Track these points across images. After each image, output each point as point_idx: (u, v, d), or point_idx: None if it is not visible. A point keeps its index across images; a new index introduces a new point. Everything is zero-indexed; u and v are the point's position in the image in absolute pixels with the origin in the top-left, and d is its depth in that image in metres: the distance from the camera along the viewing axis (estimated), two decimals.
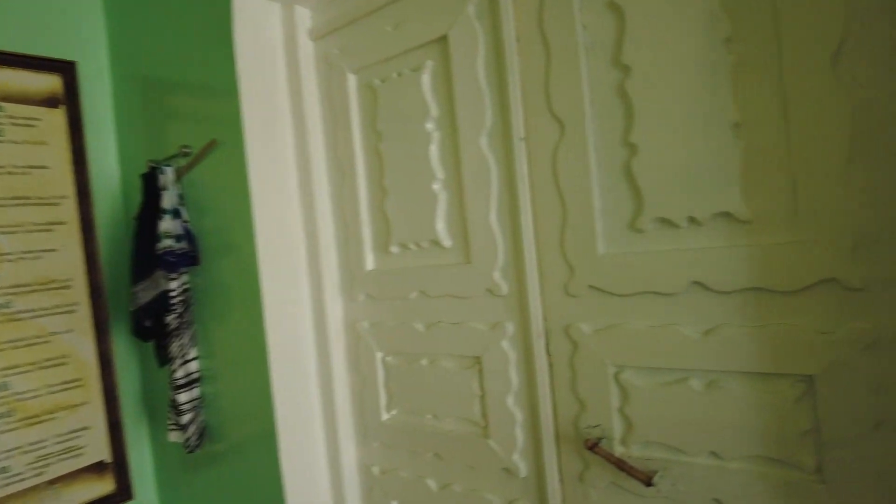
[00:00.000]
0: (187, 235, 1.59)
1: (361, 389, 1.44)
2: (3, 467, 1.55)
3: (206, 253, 1.59)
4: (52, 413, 1.62)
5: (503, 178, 1.12)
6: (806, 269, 0.82)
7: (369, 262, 1.39)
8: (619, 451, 1.02)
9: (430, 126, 1.23)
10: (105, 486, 1.72)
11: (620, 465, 0.98)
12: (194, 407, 1.63)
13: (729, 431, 0.91)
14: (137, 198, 1.66)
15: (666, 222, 0.94)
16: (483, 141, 1.14)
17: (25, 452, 1.58)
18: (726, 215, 0.89)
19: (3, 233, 1.58)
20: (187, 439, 1.60)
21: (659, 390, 0.97)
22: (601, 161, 1.01)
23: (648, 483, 0.95)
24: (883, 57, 0.76)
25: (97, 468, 1.70)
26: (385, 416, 1.40)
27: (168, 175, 1.59)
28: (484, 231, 1.15)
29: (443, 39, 1.19)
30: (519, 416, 1.15)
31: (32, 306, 1.61)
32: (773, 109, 0.84)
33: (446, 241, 1.24)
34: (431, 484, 1.32)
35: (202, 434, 1.65)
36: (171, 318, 1.60)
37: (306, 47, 1.45)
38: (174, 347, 1.61)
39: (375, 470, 1.44)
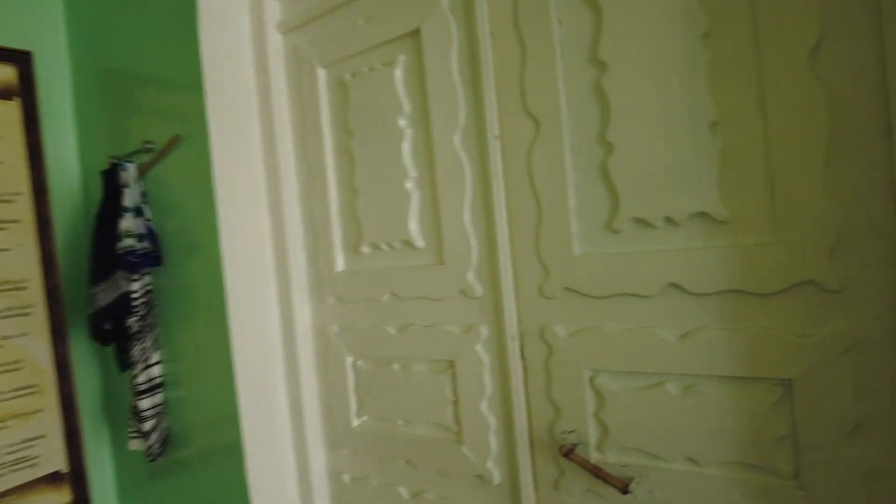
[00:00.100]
0: (150, 235, 1.53)
1: (331, 395, 1.40)
2: None
3: (169, 253, 1.53)
4: (3, 421, 1.53)
5: (477, 177, 1.10)
6: (784, 271, 0.81)
7: (339, 264, 1.35)
8: (594, 457, 1.00)
9: (402, 123, 1.20)
10: (61, 497, 1.64)
11: (596, 472, 0.96)
12: (157, 413, 1.57)
13: (706, 437, 0.89)
14: (98, 195, 1.59)
15: (642, 223, 0.93)
16: (457, 138, 1.11)
17: None
18: (703, 215, 0.87)
19: None
20: (149, 447, 1.54)
21: (635, 395, 0.95)
22: (577, 160, 0.99)
23: (625, 490, 0.93)
24: (860, 54, 0.75)
25: (53, 479, 1.62)
26: (355, 423, 1.36)
27: (130, 172, 1.53)
28: (457, 231, 1.13)
29: (415, 33, 1.16)
30: (493, 421, 1.12)
31: None
32: (751, 107, 0.82)
33: (419, 242, 1.21)
34: (403, 492, 1.29)
35: (165, 442, 1.58)
36: (132, 321, 1.53)
37: (275, 41, 1.41)
38: (136, 351, 1.55)
39: (345, 478, 1.40)
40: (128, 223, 1.49)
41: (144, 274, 1.54)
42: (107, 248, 1.50)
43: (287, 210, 1.39)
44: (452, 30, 1.10)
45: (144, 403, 1.53)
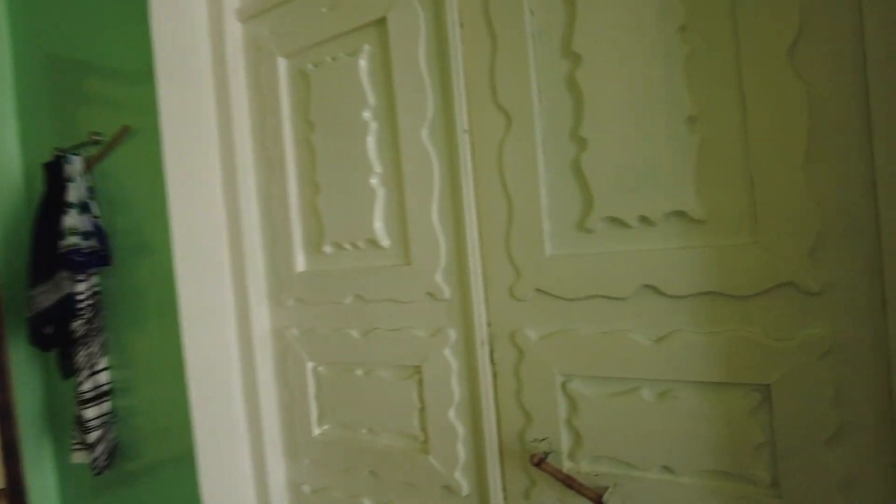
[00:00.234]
0: (97, 232, 1.44)
1: (290, 402, 1.34)
2: None
3: (118, 252, 1.45)
4: None
5: (445, 174, 1.06)
6: (762, 273, 0.78)
7: (300, 264, 1.30)
8: (567, 466, 0.97)
9: (366, 116, 1.15)
10: None
11: (569, 482, 0.92)
12: (104, 423, 1.48)
13: (682, 444, 0.86)
14: (40, 189, 1.49)
15: (616, 222, 0.90)
16: (424, 133, 1.07)
17: None
18: (680, 215, 0.84)
19: None
20: (95, 459, 1.45)
21: (609, 401, 0.92)
22: (549, 156, 0.95)
23: (598, 501, 0.89)
24: (841, 49, 0.73)
25: None
26: (316, 431, 1.31)
27: (75, 165, 1.44)
28: (425, 230, 1.08)
29: (381, 22, 1.11)
30: (461, 429, 1.08)
31: None
32: (729, 103, 0.80)
33: (384, 241, 1.16)
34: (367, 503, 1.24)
35: (112, 453, 1.49)
36: (77, 325, 1.44)
37: (233, 29, 1.34)
38: (81, 357, 1.45)
39: (306, 489, 1.34)
40: (72, 220, 1.40)
41: (91, 274, 1.46)
42: (48, 247, 1.42)
43: (244, 207, 1.32)
44: (420, 19, 1.06)
45: (90, 413, 1.44)
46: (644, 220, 0.87)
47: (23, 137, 1.69)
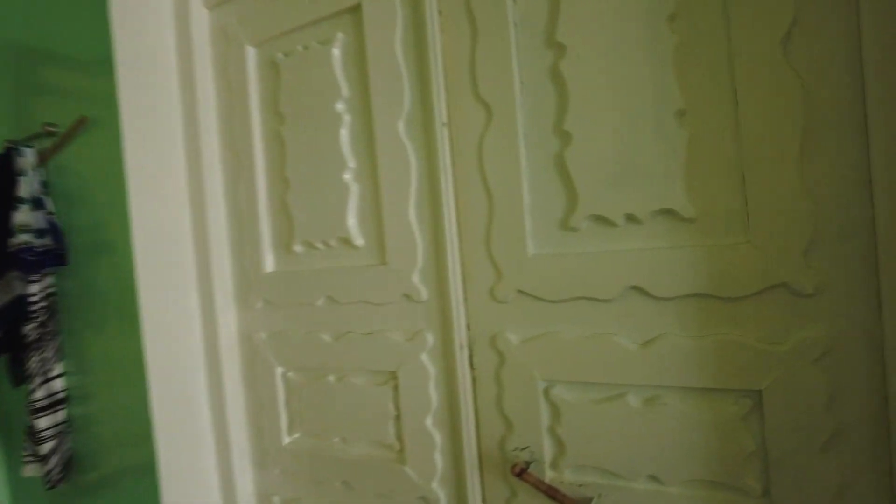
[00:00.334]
0: (52, 230, 1.36)
1: (259, 409, 1.29)
2: None
3: (75, 251, 1.38)
4: None
5: (423, 169, 1.02)
6: (754, 274, 0.75)
7: (269, 264, 1.25)
8: (549, 476, 0.94)
9: (340, 107, 1.11)
10: None
11: (551, 493, 0.88)
12: (58, 433, 1.39)
13: (669, 453, 0.83)
14: None
15: (602, 220, 0.87)
16: (400, 126, 1.03)
17: None
18: (668, 213, 0.82)
19: None
20: (48, 472, 1.36)
21: (593, 408, 0.89)
22: (532, 151, 0.92)
23: None
24: (835, 41, 0.70)
25: None
26: (286, 440, 1.26)
27: (28, 157, 1.36)
28: (401, 228, 1.04)
29: (356, 9, 1.07)
30: (438, 438, 1.04)
31: None
32: (720, 96, 0.77)
33: (358, 240, 1.12)
34: None
35: (68, 465, 1.41)
36: (29, 328, 1.35)
37: (200, 16, 1.29)
38: (34, 363, 1.37)
39: (276, 500, 1.29)
40: (24, 216, 1.32)
41: (45, 275, 1.38)
42: None
43: (210, 203, 1.27)
44: (396, 6, 1.02)
45: (43, 423, 1.36)
46: (631, 218, 0.84)
47: None
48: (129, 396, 1.30)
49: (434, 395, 1.04)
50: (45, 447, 1.36)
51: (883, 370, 0.70)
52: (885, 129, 0.67)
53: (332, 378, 1.18)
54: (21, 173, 1.34)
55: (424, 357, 1.04)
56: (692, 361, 0.80)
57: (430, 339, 1.04)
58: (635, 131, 0.82)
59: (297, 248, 1.20)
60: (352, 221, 1.12)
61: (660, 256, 0.82)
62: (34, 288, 1.35)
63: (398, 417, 1.09)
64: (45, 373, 1.38)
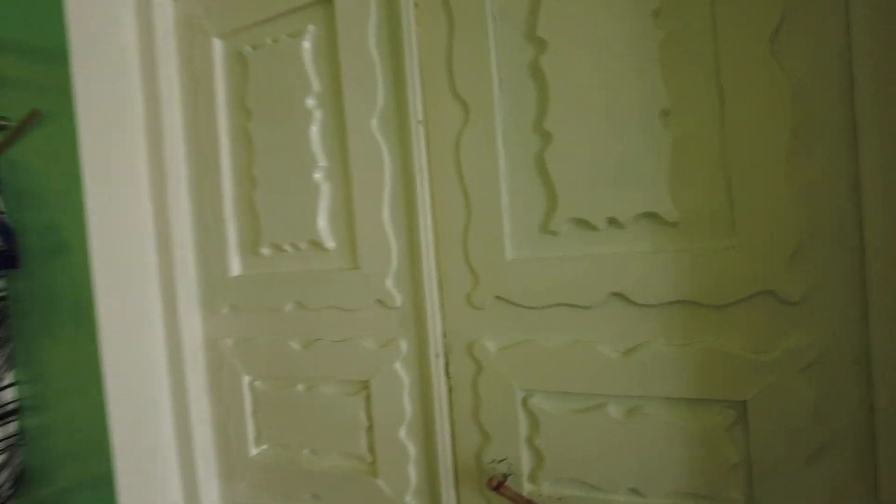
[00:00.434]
0: (2, 231, 1.29)
1: (225, 420, 1.24)
2: None
3: (28, 253, 1.31)
4: None
5: (397, 168, 0.99)
6: (740, 280, 0.73)
7: (235, 267, 1.20)
8: (527, 489, 0.91)
9: (310, 103, 1.07)
10: None
11: None
12: (9, 446, 1.31)
13: (651, 465, 0.81)
14: None
15: (583, 223, 0.84)
16: (374, 123, 0.99)
17: None
18: (652, 216, 0.79)
19: None
20: None
21: (573, 418, 0.87)
22: (511, 151, 0.89)
23: None
24: (824, 38, 0.68)
25: None
26: (254, 452, 1.21)
27: None
28: (374, 231, 1.01)
29: (328, 0, 1.03)
30: (412, 450, 1.01)
31: None
32: (706, 95, 0.75)
33: (329, 243, 1.08)
34: None
35: (19, 480, 1.33)
36: None
37: (163, 6, 1.23)
38: None
39: None
40: None
41: None
42: None
43: (173, 203, 1.22)
44: None
45: None
46: (613, 221, 0.82)
47: None
48: (85, 406, 1.24)
49: (408, 405, 1.00)
50: None
51: (869, 380, 0.68)
52: (875, 130, 0.65)
53: (301, 387, 1.14)
54: None
55: (398, 365, 1.01)
56: (675, 371, 0.78)
57: (405, 346, 1.00)
58: (618, 131, 0.80)
59: (265, 250, 1.16)
60: (322, 223, 1.08)
61: (642, 262, 0.79)
62: None
63: (370, 428, 1.06)
64: None
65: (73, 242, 1.22)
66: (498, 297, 0.91)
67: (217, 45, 1.18)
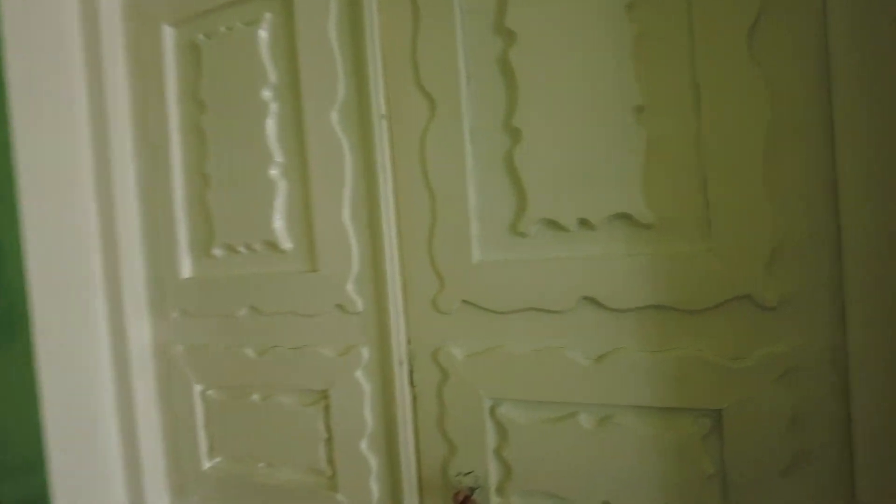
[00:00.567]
0: None
1: (176, 431, 1.22)
2: None
3: None
4: None
5: (359, 165, 0.96)
6: (716, 284, 0.71)
7: (185, 269, 1.17)
8: (495, 502, 0.89)
9: (267, 95, 1.04)
10: None
11: None
12: None
13: (624, 476, 0.79)
14: None
15: (553, 225, 0.82)
16: (334, 117, 0.97)
17: None
18: (625, 217, 0.78)
19: None
20: None
21: (543, 428, 0.85)
22: (479, 148, 0.87)
23: None
24: (800, 35, 0.66)
25: None
26: (207, 465, 1.19)
27: None
28: (334, 231, 0.98)
29: None
30: (374, 463, 0.98)
31: None
32: (682, 92, 0.73)
33: (286, 243, 1.06)
34: None
35: None
36: None
37: None
38: None
39: None
40: None
41: None
42: None
43: (120, 201, 1.19)
44: None
45: None
46: (584, 223, 0.80)
47: None
48: (17, 420, 1.17)
49: (369, 415, 0.98)
50: None
51: (847, 388, 0.67)
52: (851, 129, 0.64)
53: (256, 397, 1.12)
54: None
55: (359, 374, 0.99)
56: (649, 378, 0.76)
57: (366, 353, 0.98)
58: (590, 128, 0.78)
59: (218, 251, 1.13)
60: (279, 222, 1.05)
61: (615, 265, 0.77)
62: None
63: (329, 440, 1.03)
64: None
65: (4, 243, 1.15)
66: (465, 302, 0.89)
67: (168, 33, 1.15)
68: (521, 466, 0.86)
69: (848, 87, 0.63)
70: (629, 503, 0.79)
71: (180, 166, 1.16)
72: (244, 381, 1.12)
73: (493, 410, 0.88)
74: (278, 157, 1.04)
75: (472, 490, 0.88)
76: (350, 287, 0.97)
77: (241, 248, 1.10)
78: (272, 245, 1.06)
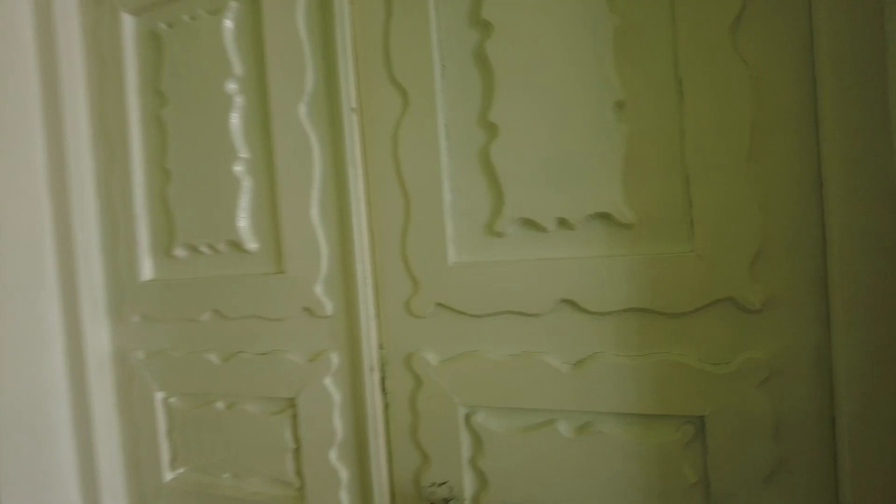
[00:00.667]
0: None
1: (136, 441, 1.18)
2: None
3: None
4: None
5: (328, 161, 0.94)
6: (699, 287, 0.70)
7: (146, 271, 1.14)
8: None
9: (231, 88, 1.01)
10: None
11: None
12: None
13: (603, 486, 0.78)
14: None
15: (531, 224, 0.81)
16: (302, 110, 0.94)
17: None
18: (604, 217, 0.76)
19: None
20: None
21: (519, 437, 0.83)
22: (454, 144, 0.85)
23: None
24: (784, 28, 0.65)
25: None
26: (169, 476, 1.15)
27: None
28: (302, 231, 0.96)
29: None
30: (344, 474, 0.96)
31: None
32: (663, 87, 0.71)
33: (251, 244, 1.03)
34: None
35: None
36: None
37: None
38: None
39: None
40: None
41: None
42: None
43: (76, 199, 1.15)
44: None
45: None
46: (563, 222, 0.78)
47: None
48: None
49: (339, 424, 0.96)
50: None
51: (831, 393, 0.66)
52: (837, 126, 0.62)
53: (220, 405, 1.09)
54: None
55: (328, 381, 0.96)
56: (629, 384, 0.75)
57: (335, 360, 0.96)
58: (568, 124, 0.76)
59: (179, 251, 1.10)
60: (243, 221, 1.02)
61: (594, 266, 0.75)
62: None
63: (297, 451, 1.01)
64: None
65: None
66: (439, 305, 0.87)
67: (127, 21, 1.12)
68: (497, 477, 0.84)
69: (833, 82, 0.62)
70: None
71: (140, 162, 1.13)
72: (208, 388, 1.09)
73: (468, 418, 0.86)
74: (243, 152, 1.02)
75: (447, 501, 0.86)
76: (318, 289, 0.95)
77: (204, 249, 1.06)
78: (236, 245, 1.03)
